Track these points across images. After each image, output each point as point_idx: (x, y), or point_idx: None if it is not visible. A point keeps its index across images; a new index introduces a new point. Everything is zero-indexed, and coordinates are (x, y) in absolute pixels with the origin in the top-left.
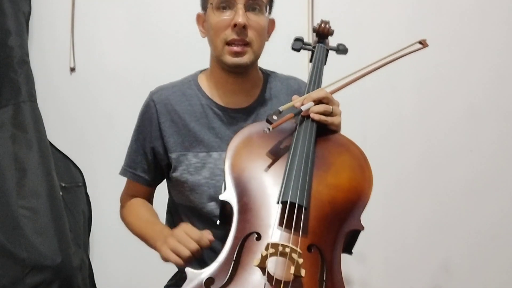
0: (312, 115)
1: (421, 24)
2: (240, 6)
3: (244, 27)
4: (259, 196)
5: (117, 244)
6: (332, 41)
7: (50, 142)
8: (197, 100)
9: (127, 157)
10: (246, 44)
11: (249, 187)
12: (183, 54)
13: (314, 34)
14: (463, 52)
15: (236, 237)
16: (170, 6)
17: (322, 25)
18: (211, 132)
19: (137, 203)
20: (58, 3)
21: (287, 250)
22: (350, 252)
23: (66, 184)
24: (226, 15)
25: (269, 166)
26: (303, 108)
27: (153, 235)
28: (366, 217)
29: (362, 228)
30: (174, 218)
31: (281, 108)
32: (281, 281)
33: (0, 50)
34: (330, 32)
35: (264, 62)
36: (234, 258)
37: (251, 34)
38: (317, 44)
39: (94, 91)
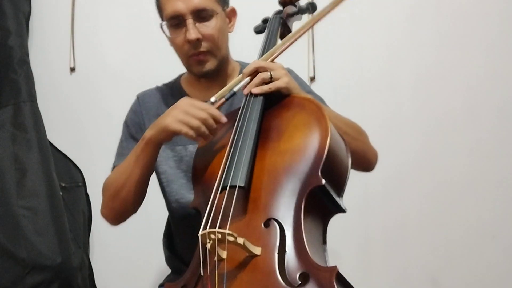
0: (252, 90)
1: (420, 21)
2: (189, 21)
3: (198, 40)
4: (211, 192)
5: (117, 244)
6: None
7: (50, 142)
8: (176, 99)
9: (116, 155)
10: (206, 52)
11: (206, 187)
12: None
13: (280, 5)
14: (463, 50)
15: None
16: None
17: None
18: None
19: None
20: (58, 3)
21: (219, 235)
22: (341, 210)
23: (66, 184)
24: (180, 32)
25: (220, 159)
26: (236, 88)
27: (135, 147)
28: (365, 216)
29: (321, 181)
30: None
31: (212, 99)
32: (234, 266)
33: (0, 50)
34: (292, 0)
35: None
36: (202, 259)
37: (206, 43)
38: (272, 16)
39: (94, 91)
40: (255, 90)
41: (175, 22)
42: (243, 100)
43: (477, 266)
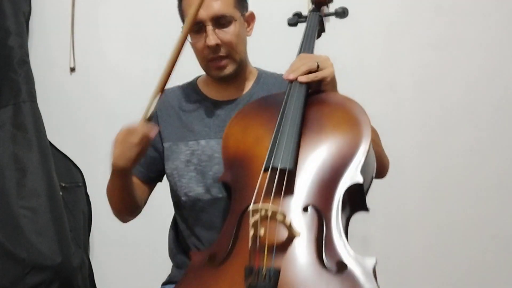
0: (299, 79)
1: (420, 21)
2: (209, 28)
3: (217, 45)
4: (252, 170)
5: (117, 244)
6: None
7: (50, 142)
8: (192, 98)
9: None
10: (225, 57)
11: (243, 164)
12: (183, 54)
13: (312, 4)
14: (462, 49)
15: (234, 213)
16: (170, 5)
17: None
18: (201, 122)
19: None
20: (58, 3)
21: (269, 213)
22: (366, 209)
23: (66, 184)
24: (201, 37)
25: (261, 139)
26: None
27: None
28: (365, 217)
29: (361, 180)
30: (175, 223)
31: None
32: (273, 244)
33: (0, 50)
34: (327, 0)
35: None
36: (233, 233)
37: (225, 49)
38: (310, 13)
39: (94, 91)
40: (302, 79)
41: (196, 27)
42: (288, 86)
43: (477, 266)
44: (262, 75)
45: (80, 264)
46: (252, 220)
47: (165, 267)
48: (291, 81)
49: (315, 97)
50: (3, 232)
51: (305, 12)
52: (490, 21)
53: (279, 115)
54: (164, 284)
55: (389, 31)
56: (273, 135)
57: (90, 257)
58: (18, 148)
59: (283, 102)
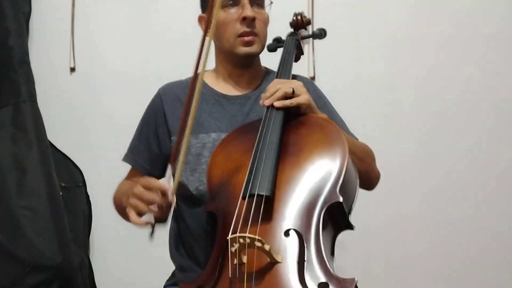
0: (275, 104)
1: (420, 22)
2: (246, 1)
3: (253, 19)
4: (233, 198)
5: (117, 244)
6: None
7: (50, 142)
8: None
9: (130, 145)
10: (255, 34)
11: (226, 193)
12: (183, 54)
13: (291, 27)
14: (463, 52)
15: (219, 242)
16: (170, 6)
17: (294, 17)
18: (211, 116)
19: (126, 180)
20: (58, 3)
21: (247, 240)
22: (350, 227)
23: (66, 184)
24: (234, 11)
25: (242, 167)
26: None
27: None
28: (364, 216)
29: (340, 199)
30: (177, 223)
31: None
32: (256, 270)
33: (0, 50)
34: (305, 22)
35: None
36: (220, 262)
37: (258, 26)
38: (287, 38)
39: (94, 91)
40: (277, 104)
41: (230, 2)
42: (264, 112)
43: (477, 266)
44: (271, 73)
45: (80, 264)
46: (232, 249)
47: (165, 267)
48: (267, 107)
49: (294, 120)
50: (3, 232)
51: (284, 37)
52: (491, 23)
53: (256, 142)
54: (167, 286)
55: (389, 31)
56: (251, 162)
57: (90, 257)
58: (18, 148)
59: (260, 128)
